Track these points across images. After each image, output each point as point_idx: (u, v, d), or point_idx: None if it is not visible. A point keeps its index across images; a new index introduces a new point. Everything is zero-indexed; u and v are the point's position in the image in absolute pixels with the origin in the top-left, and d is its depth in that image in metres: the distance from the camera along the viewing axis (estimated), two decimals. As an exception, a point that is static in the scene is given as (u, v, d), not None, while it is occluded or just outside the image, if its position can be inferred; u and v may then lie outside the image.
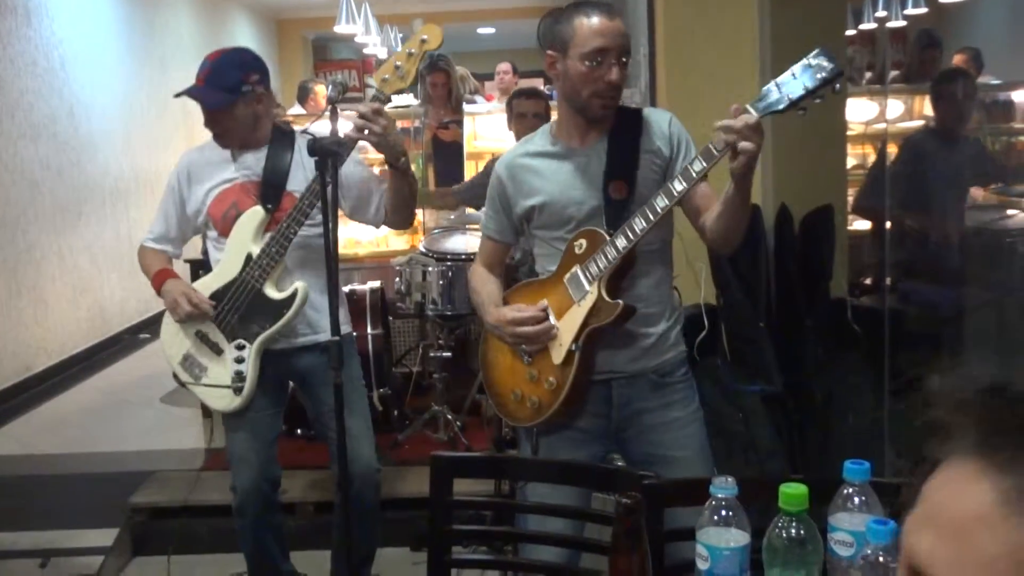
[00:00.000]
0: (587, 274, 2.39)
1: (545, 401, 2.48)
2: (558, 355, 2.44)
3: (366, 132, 2.73)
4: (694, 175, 2.24)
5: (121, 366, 7.11)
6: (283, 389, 3.29)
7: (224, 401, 3.10)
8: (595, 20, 2.35)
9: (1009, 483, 0.70)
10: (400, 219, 3.20)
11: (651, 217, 2.28)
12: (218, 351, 3.08)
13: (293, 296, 3.01)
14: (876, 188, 4.16)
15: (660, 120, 2.49)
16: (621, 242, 2.33)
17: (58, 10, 7.05)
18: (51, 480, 4.69)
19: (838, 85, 2.10)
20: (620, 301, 2.36)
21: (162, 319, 3.20)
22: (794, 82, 2.11)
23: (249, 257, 3.01)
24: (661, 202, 2.27)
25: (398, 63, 2.80)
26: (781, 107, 2.13)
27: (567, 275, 2.44)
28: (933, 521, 0.75)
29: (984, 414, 0.74)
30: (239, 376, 3.05)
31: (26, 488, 4.61)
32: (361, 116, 2.73)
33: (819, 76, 2.09)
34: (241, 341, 3.05)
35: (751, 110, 2.13)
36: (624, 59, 2.37)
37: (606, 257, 2.35)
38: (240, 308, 3.04)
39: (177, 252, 3.25)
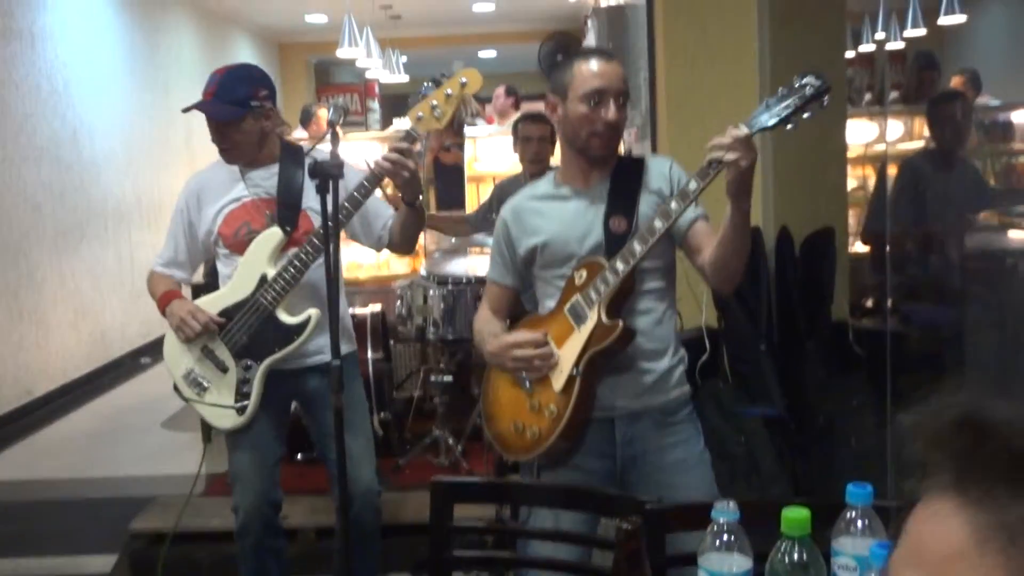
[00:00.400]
0: (587, 300, 2.40)
1: (545, 430, 2.45)
2: (559, 382, 2.43)
3: (392, 169, 2.78)
4: (690, 194, 2.27)
5: (122, 390, 7.09)
6: (286, 410, 3.28)
7: (227, 421, 3.07)
8: (593, 63, 2.42)
9: (984, 519, 0.69)
10: (404, 249, 3.25)
11: (648, 239, 2.30)
12: (223, 368, 3.06)
13: (306, 323, 3.01)
14: (881, 213, 4.16)
15: (661, 165, 2.54)
16: (619, 265, 2.34)
17: (63, 34, 7.09)
18: (52, 505, 4.67)
19: (827, 100, 2.18)
20: (619, 321, 2.36)
21: (166, 335, 3.16)
22: (784, 100, 2.20)
23: (264, 278, 2.99)
24: (658, 223, 2.30)
25: (435, 103, 2.81)
26: (772, 123, 2.20)
27: (567, 305, 2.45)
28: (915, 560, 0.74)
29: (957, 449, 0.73)
30: (243, 395, 3.03)
31: (27, 513, 4.59)
32: (389, 159, 2.78)
33: (806, 92, 2.18)
34: (248, 361, 3.03)
35: (742, 126, 2.19)
36: (622, 100, 2.42)
37: (605, 281, 2.36)
38: (250, 328, 3.01)
39: (186, 276, 3.23)
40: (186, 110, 3.04)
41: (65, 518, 4.50)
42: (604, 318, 2.37)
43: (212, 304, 3.06)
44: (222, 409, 3.06)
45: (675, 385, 2.51)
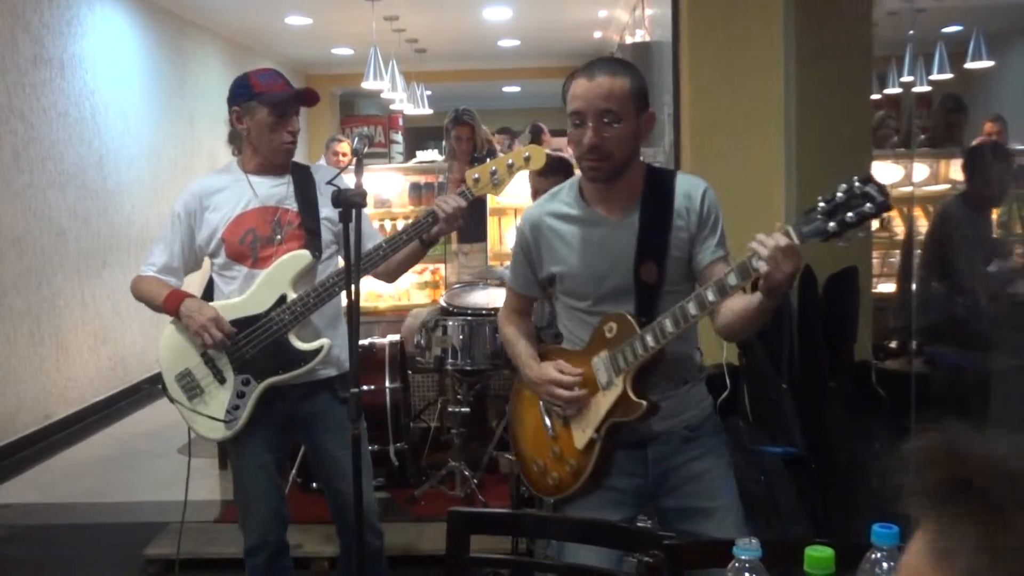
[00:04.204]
0: (615, 363, 2.36)
1: (565, 482, 2.48)
2: (580, 440, 2.43)
3: (449, 215, 2.85)
4: (728, 290, 2.17)
5: (139, 416, 7.11)
6: (289, 428, 3.24)
7: (213, 432, 3.04)
8: (578, 82, 2.34)
9: (932, 542, 0.81)
10: (388, 279, 3.26)
11: (681, 323, 2.23)
12: (221, 379, 3.01)
13: (316, 352, 2.99)
14: (906, 253, 4.14)
15: (693, 191, 2.42)
16: (650, 341, 2.28)
17: (92, 62, 7.17)
18: (67, 529, 4.67)
19: (887, 217, 2.00)
20: (644, 402, 2.32)
21: (167, 328, 3.09)
22: (840, 210, 1.98)
23: (283, 299, 2.96)
24: (693, 309, 2.21)
25: (494, 169, 2.86)
26: (822, 238, 2.02)
27: (595, 357, 2.40)
28: (901, 571, 0.86)
29: (931, 480, 0.83)
30: (235, 409, 2.99)
31: (42, 537, 4.60)
32: (450, 206, 2.85)
33: (866, 210, 1.95)
34: (248, 377, 2.99)
35: (792, 234, 2.03)
36: (605, 119, 2.31)
37: (634, 352, 2.31)
38: (258, 346, 2.98)
39: (179, 284, 3.13)
40: (298, 93, 3.07)
41: (80, 542, 4.49)
42: (630, 392, 2.33)
43: (224, 311, 2.99)
44: (210, 421, 3.01)
45: (698, 401, 2.51)
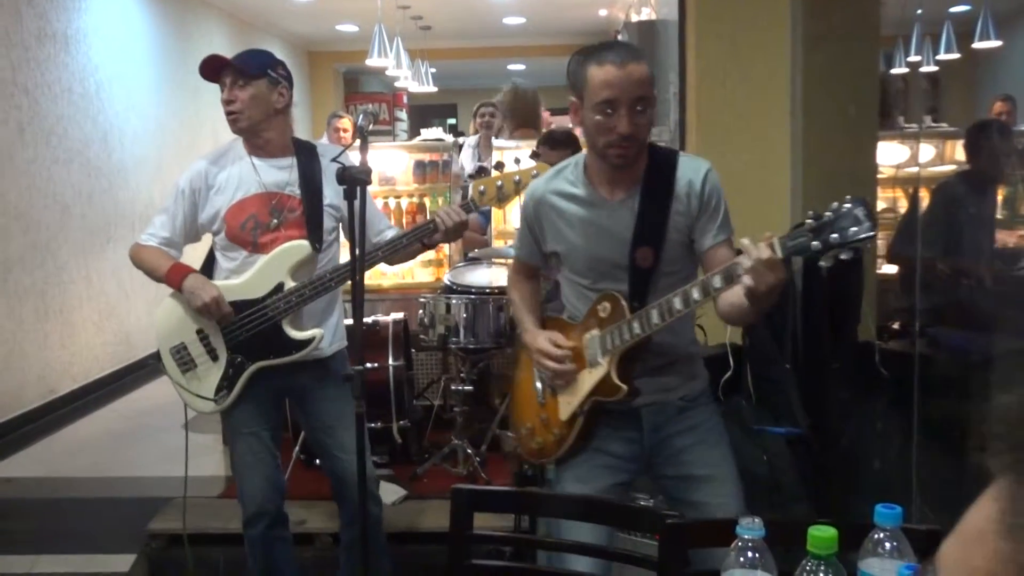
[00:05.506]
0: (603, 344, 2.42)
1: (548, 448, 2.57)
2: (565, 412, 2.50)
3: (450, 228, 2.92)
4: (712, 291, 2.20)
5: (144, 391, 7.11)
6: (283, 399, 3.30)
7: (204, 406, 3.14)
8: (605, 69, 2.31)
9: (1002, 505, 0.73)
10: (392, 263, 3.33)
11: (667, 317, 2.28)
12: (214, 356, 3.08)
13: (308, 341, 3.03)
14: (912, 235, 4.13)
15: (695, 175, 2.42)
16: (636, 328, 2.34)
17: (96, 37, 7.14)
18: (72, 503, 4.68)
19: (869, 244, 1.97)
20: (625, 387, 2.38)
21: (164, 301, 3.17)
22: (826, 229, 1.97)
23: (280, 287, 3.00)
24: (679, 304, 2.26)
25: (500, 183, 2.92)
26: (805, 256, 2.04)
27: (587, 334, 2.46)
28: (958, 528, 0.78)
29: (1016, 436, 0.77)
30: (225, 386, 3.07)
31: (47, 511, 4.61)
32: (451, 222, 2.91)
33: (851, 232, 1.93)
34: (240, 357, 3.05)
35: (776, 248, 2.03)
36: (639, 107, 2.32)
37: (621, 336, 2.37)
38: (252, 330, 3.03)
39: (178, 257, 3.19)
40: (207, 59, 3.04)
41: (85, 517, 4.51)
42: (613, 374, 2.39)
43: (223, 292, 3.03)
44: (199, 394, 3.10)
45: (694, 376, 2.57)
